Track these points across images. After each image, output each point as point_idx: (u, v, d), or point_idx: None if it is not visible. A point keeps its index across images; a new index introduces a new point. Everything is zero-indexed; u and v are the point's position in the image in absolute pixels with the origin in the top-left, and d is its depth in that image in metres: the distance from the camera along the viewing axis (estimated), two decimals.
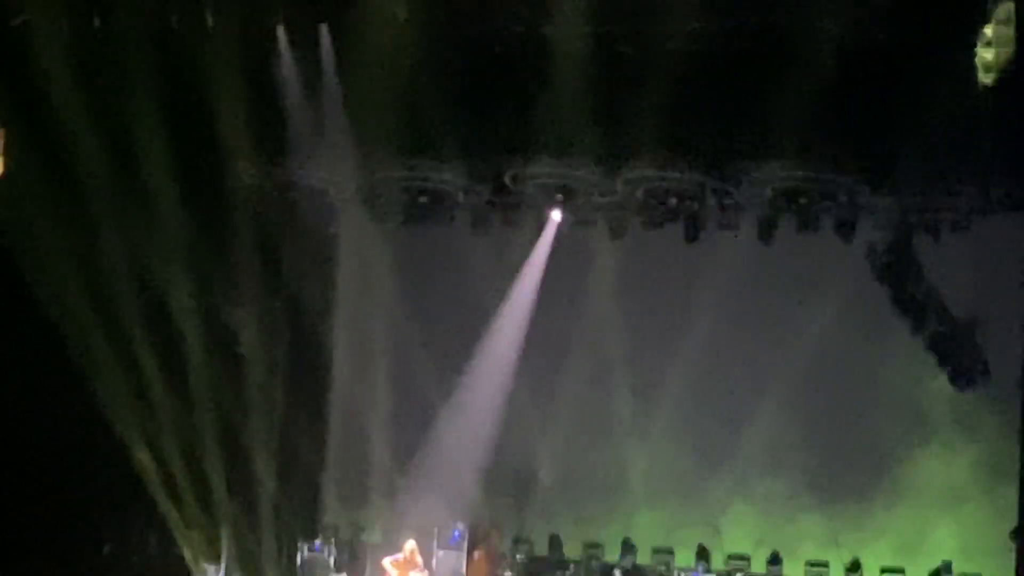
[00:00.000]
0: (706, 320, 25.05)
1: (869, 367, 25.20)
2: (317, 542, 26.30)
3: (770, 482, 25.71)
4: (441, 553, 25.87)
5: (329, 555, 26.24)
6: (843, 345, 25.04)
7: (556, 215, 26.13)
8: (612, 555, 25.93)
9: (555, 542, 26.26)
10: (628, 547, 25.92)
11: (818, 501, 25.42)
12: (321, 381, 26.62)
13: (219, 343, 25.14)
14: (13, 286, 23.17)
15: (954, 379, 24.46)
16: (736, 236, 25.02)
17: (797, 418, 25.32)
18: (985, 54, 20.92)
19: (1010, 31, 20.72)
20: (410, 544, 24.77)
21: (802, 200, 24.39)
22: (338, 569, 26.17)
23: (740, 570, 25.44)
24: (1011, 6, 20.63)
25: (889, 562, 24.79)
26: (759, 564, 25.53)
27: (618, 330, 25.44)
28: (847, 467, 25.30)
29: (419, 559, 24.78)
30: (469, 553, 25.97)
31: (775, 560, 25.41)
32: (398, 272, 25.87)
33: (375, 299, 25.91)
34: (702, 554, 25.70)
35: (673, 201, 25.09)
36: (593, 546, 25.99)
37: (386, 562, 24.84)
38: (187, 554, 25.47)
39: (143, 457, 24.69)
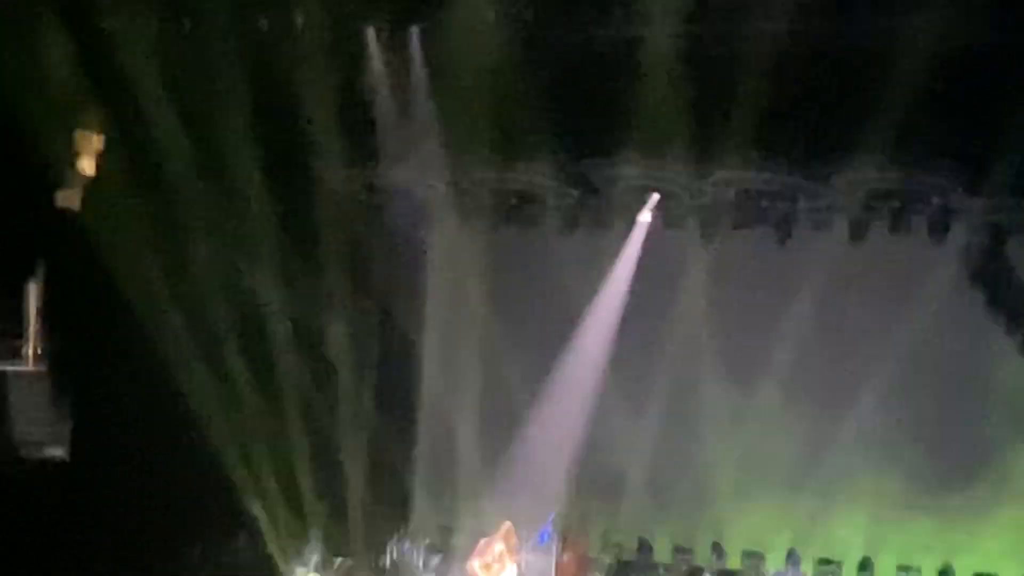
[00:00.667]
0: (799, 321, 24.83)
1: (970, 365, 24.87)
2: (406, 544, 26.28)
3: (868, 483, 25.38)
4: (529, 556, 25.72)
5: (418, 557, 26.21)
6: (942, 344, 24.71)
7: (645, 217, 25.97)
8: (702, 558, 25.71)
9: (644, 545, 26.13)
10: (718, 550, 25.72)
11: (917, 502, 25.08)
12: (410, 383, 26.63)
13: (308, 347, 25.18)
14: (103, 290, 23.33)
15: None
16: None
17: (895, 417, 25.06)
18: None
19: None
20: (498, 547, 24.69)
21: (895, 202, 24.13)
22: (426, 570, 26.16)
23: (831, 574, 25.17)
24: None
25: (990, 567, 24.42)
26: (850, 569, 25.22)
27: (709, 331, 25.21)
28: (949, 468, 24.97)
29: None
30: (559, 555, 25.83)
31: (865, 566, 25.11)
32: (487, 274, 25.80)
33: (464, 301, 25.86)
34: (792, 558, 25.47)
35: (764, 202, 24.88)
36: (683, 550, 25.79)
37: (475, 564, 24.80)
38: (276, 555, 25.51)
39: (233, 459, 24.77)
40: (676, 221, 25.84)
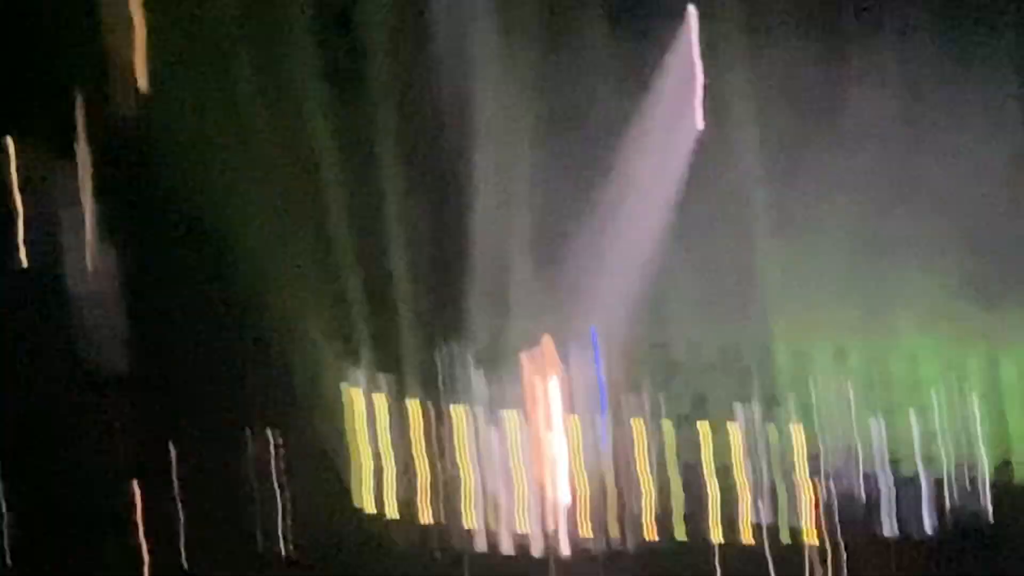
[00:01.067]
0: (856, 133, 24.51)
1: None
2: (455, 348, 26.73)
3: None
4: (575, 360, 26.19)
5: (467, 354, 26.69)
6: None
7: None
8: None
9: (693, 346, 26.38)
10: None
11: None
12: (460, 204, 26.65)
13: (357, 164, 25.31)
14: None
15: None
16: None
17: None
18: None
19: None
20: (547, 340, 25.16)
21: None
22: (476, 366, 26.67)
23: None
24: None
25: None
26: None
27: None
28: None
29: (555, 355, 25.07)
30: (602, 361, 26.22)
31: None
32: (536, 89, 25.50)
33: (513, 114, 25.66)
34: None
35: None
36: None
37: (523, 357, 25.31)
38: (329, 356, 26.05)
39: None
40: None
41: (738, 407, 25.42)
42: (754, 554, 23.84)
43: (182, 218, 23.98)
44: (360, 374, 25.81)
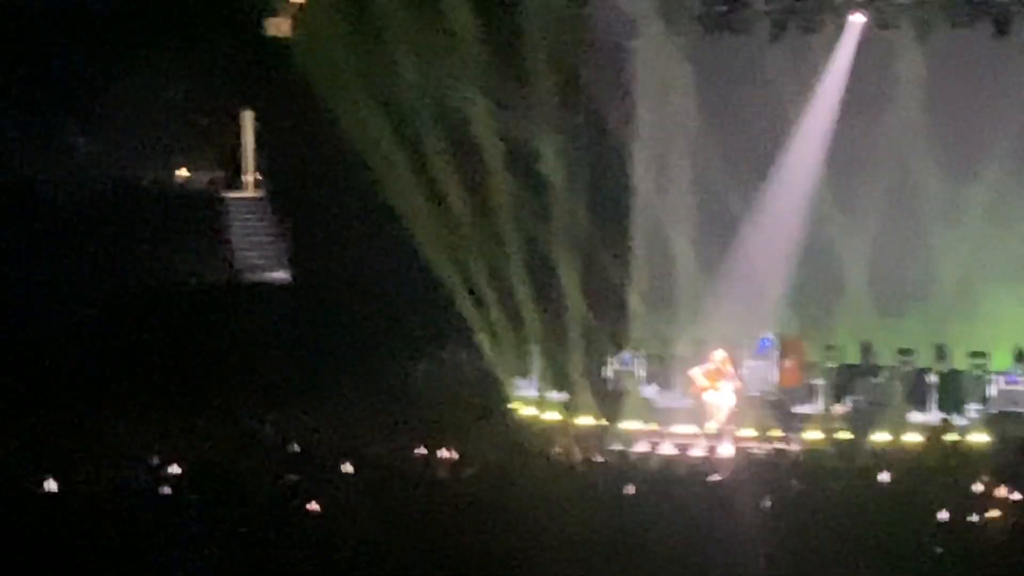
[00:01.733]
0: (1018, 120, 24.07)
1: None
2: (626, 355, 26.32)
3: None
4: (751, 363, 25.55)
5: (638, 368, 26.24)
6: None
7: (858, 18, 25.57)
8: (925, 361, 25.12)
9: (866, 349, 25.58)
10: (942, 352, 25.07)
11: None
12: (623, 196, 26.71)
13: (521, 163, 25.51)
14: (316, 117, 24.13)
15: None
16: None
17: None
18: None
19: None
20: (720, 354, 24.64)
21: None
22: (648, 381, 26.17)
23: None
24: None
25: None
26: None
27: (925, 133, 24.64)
28: None
29: (729, 368, 24.62)
30: (779, 362, 25.59)
31: None
32: (697, 84, 25.74)
33: (674, 112, 25.84)
34: (1020, 357, 24.69)
35: None
36: (906, 352, 25.18)
37: (695, 372, 24.77)
38: (499, 371, 25.88)
39: (452, 278, 25.26)
40: (888, 21, 25.21)
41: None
42: None
43: None
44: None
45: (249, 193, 26.10)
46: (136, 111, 24.78)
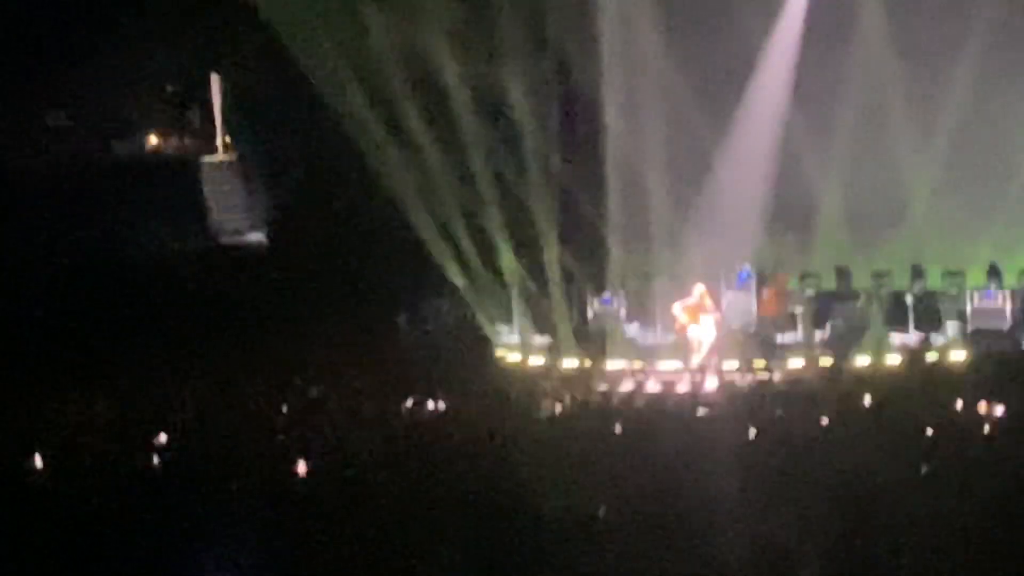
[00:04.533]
0: (984, 35, 24.17)
1: None
2: (606, 295, 26.42)
3: None
4: (730, 295, 25.71)
5: (619, 307, 26.35)
6: None
7: None
8: (901, 282, 25.31)
9: (843, 274, 25.72)
10: (918, 272, 25.24)
11: None
12: (594, 135, 26.72)
13: (492, 109, 25.55)
14: (283, 73, 24.10)
15: None
16: None
17: None
18: None
19: None
20: (699, 288, 24.81)
21: None
22: (629, 320, 26.29)
23: None
24: None
25: None
26: None
27: (891, 55, 24.73)
28: None
29: (709, 302, 24.79)
30: (758, 293, 25.75)
31: None
32: (661, 17, 25.70)
33: (640, 46, 25.83)
34: (993, 272, 24.89)
35: None
36: (882, 275, 25.34)
37: (676, 307, 24.95)
38: (480, 318, 26.01)
39: (428, 226, 25.35)
40: None
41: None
42: None
43: None
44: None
45: (221, 156, 26.13)
46: (105, 79, 24.77)
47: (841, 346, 23.86)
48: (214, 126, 26.17)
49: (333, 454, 16.15)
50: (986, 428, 15.58)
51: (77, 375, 20.89)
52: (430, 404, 20.12)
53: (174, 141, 25.96)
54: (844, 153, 25.06)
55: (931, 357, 22.95)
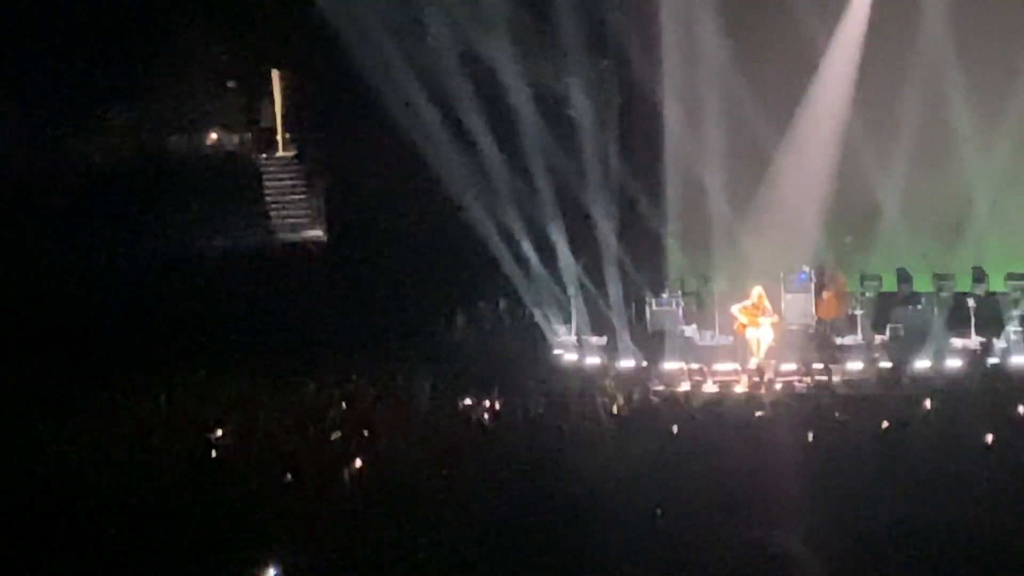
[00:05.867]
0: None
1: None
2: (664, 295, 26.25)
3: None
4: (789, 296, 25.49)
5: (677, 307, 26.16)
6: None
7: None
8: (964, 285, 25.09)
9: (903, 276, 25.54)
10: (980, 275, 25.04)
11: None
12: (654, 136, 26.65)
13: (551, 109, 25.53)
14: (346, 75, 24.14)
15: None
16: None
17: None
18: None
19: None
20: (757, 290, 24.64)
21: None
22: (687, 320, 26.13)
23: None
24: None
25: None
26: None
27: (953, 57, 24.55)
28: None
29: (767, 304, 24.64)
30: (817, 294, 25.56)
31: None
32: (721, 18, 25.61)
33: (700, 49, 25.76)
34: None
35: None
36: (943, 277, 25.13)
37: (735, 309, 24.78)
38: (539, 319, 25.95)
39: (488, 227, 25.34)
40: None
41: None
42: None
43: None
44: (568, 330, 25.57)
45: (282, 153, 26.19)
46: (166, 78, 24.89)
47: (901, 350, 23.64)
48: (275, 123, 26.22)
49: (391, 453, 16.16)
50: None
51: (141, 370, 20.99)
52: (487, 402, 20.09)
53: (235, 138, 26.01)
54: (905, 155, 24.91)
55: (992, 361, 22.69)
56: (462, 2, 24.85)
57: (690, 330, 25.65)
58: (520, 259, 25.68)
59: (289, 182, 25.92)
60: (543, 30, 24.99)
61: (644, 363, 24.03)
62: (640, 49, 26.09)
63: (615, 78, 26.64)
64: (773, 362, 23.57)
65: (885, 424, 16.53)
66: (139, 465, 15.75)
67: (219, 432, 17.05)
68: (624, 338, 25.11)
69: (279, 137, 26.12)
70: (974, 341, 23.72)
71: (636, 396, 21.30)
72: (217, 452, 16.28)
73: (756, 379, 22.75)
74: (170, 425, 18.05)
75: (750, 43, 25.41)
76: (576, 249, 25.78)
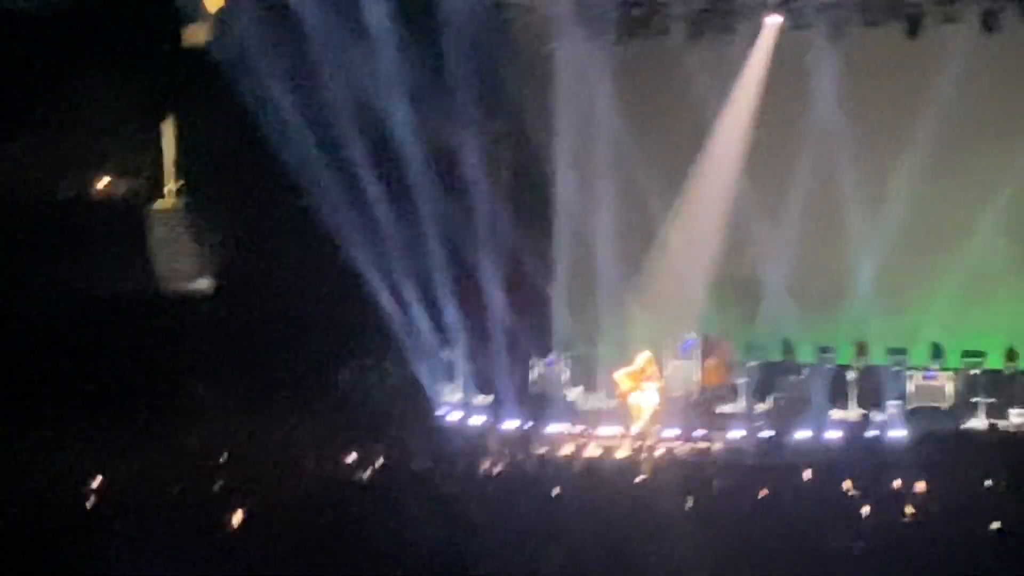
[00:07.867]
0: (932, 117, 24.38)
1: None
2: (550, 358, 26.41)
3: (1005, 282, 24.89)
4: (674, 363, 25.74)
5: (562, 370, 26.35)
6: None
7: (773, 20, 25.87)
8: (845, 358, 25.39)
9: (787, 347, 25.84)
10: (861, 349, 25.35)
11: None
12: (545, 200, 26.83)
13: (443, 168, 25.59)
14: (235, 124, 24.03)
15: None
16: None
17: None
18: None
19: None
20: (645, 355, 24.78)
21: None
22: (572, 384, 26.29)
23: (975, 367, 24.61)
24: None
25: None
26: (995, 359, 24.68)
27: (842, 133, 24.93)
28: None
29: (654, 369, 24.77)
30: (702, 362, 25.79)
31: (1012, 357, 24.59)
32: (616, 87, 25.89)
33: (594, 115, 26.00)
34: (936, 352, 25.00)
35: None
36: (826, 350, 25.44)
37: (617, 375, 24.91)
38: (424, 377, 25.94)
39: (375, 283, 25.30)
40: (803, 22, 25.51)
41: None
42: None
43: None
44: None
45: (171, 202, 26.01)
46: (55, 120, 24.64)
47: (783, 419, 23.85)
48: (163, 172, 26.04)
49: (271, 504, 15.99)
50: (923, 508, 15.55)
51: (15, 418, 20.65)
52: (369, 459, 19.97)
53: (122, 185, 25.78)
54: (792, 227, 25.15)
55: (871, 434, 22.96)
56: (360, 58, 24.81)
57: (575, 393, 25.71)
58: (407, 316, 25.60)
59: (177, 231, 25.68)
60: (440, 86, 24.98)
61: (528, 424, 24.05)
62: (535, 112, 26.25)
63: (509, 139, 26.72)
64: (656, 427, 23.66)
65: (764, 492, 16.61)
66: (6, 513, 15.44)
67: (95, 482, 16.76)
68: (508, 399, 25.11)
69: (170, 186, 25.92)
70: (854, 413, 23.96)
71: (518, 457, 21.29)
72: (91, 502, 16.03)
73: (638, 444, 22.84)
74: (43, 475, 17.73)
75: (643, 111, 25.67)
76: (464, 308, 25.74)
